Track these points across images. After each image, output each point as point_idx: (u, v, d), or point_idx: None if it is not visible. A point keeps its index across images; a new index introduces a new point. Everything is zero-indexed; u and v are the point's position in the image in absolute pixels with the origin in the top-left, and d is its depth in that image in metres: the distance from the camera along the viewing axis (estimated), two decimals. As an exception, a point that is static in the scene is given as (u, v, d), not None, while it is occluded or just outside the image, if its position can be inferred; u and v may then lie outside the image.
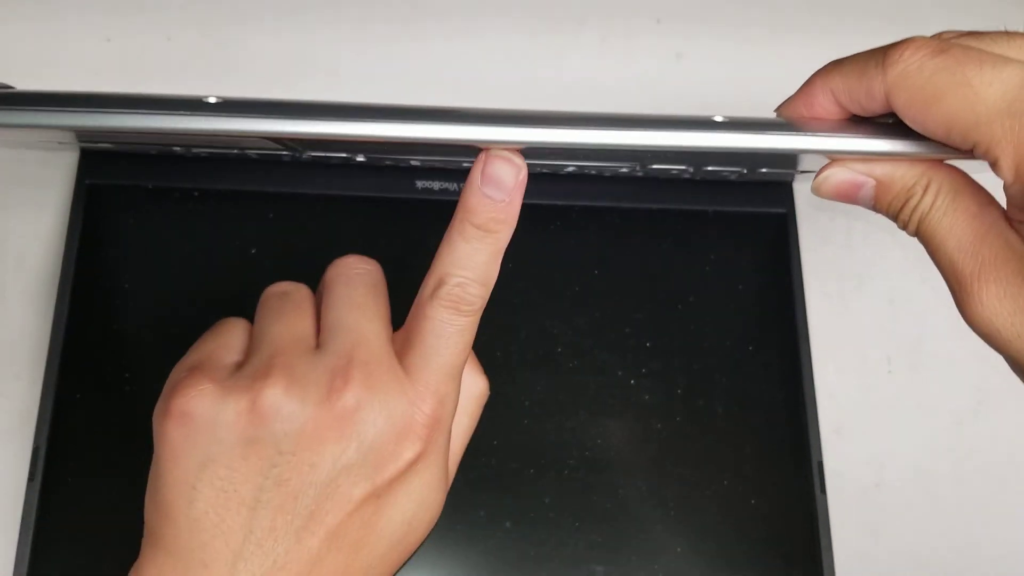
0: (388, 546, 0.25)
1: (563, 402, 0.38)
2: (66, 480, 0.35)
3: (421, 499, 0.25)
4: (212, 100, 0.22)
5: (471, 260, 0.25)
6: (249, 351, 0.26)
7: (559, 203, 0.41)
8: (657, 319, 0.39)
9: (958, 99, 0.21)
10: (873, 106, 0.23)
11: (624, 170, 0.34)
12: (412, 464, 0.25)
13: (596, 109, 0.47)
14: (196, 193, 0.40)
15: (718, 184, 0.40)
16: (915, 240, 0.48)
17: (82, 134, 0.29)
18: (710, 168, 0.32)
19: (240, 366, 0.25)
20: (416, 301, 0.26)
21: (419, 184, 0.41)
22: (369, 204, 0.40)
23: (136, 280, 0.39)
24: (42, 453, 0.35)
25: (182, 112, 0.22)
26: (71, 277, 0.38)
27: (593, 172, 0.39)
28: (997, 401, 0.42)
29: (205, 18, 0.44)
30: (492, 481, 0.36)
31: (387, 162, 0.36)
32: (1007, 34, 0.23)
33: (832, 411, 0.40)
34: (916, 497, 0.41)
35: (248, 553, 0.23)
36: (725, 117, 0.23)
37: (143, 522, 0.25)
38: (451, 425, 0.26)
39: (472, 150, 0.24)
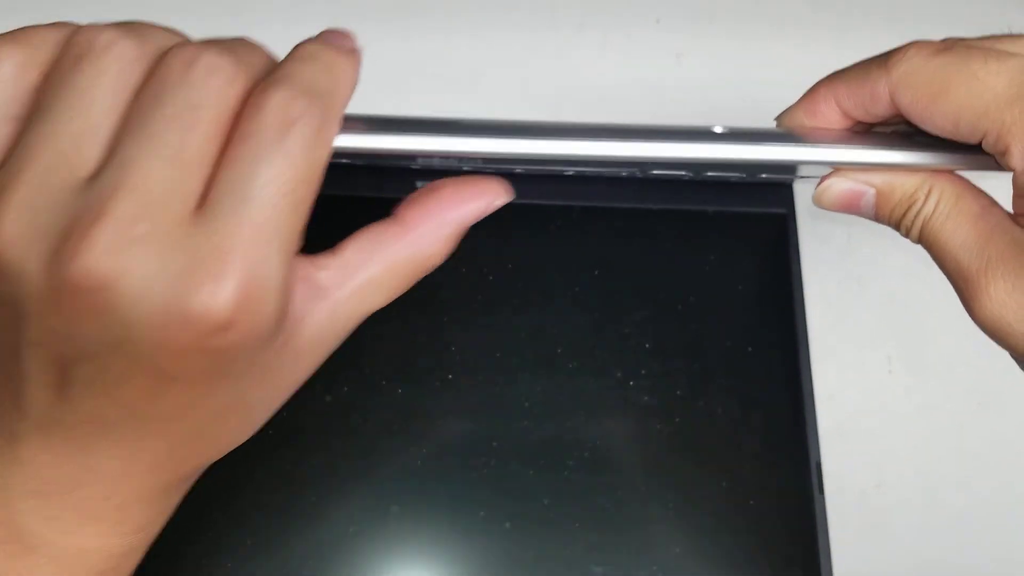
0: (173, 447, 0.21)
1: (562, 403, 0.38)
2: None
3: (224, 403, 0.20)
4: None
5: (302, 71, 0.19)
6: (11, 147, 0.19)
7: (559, 203, 0.41)
8: (657, 320, 0.39)
9: (965, 90, 0.21)
10: (878, 109, 0.23)
11: (623, 174, 0.34)
12: (205, 356, 0.18)
13: (596, 109, 0.48)
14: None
15: (718, 185, 0.40)
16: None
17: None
18: (710, 174, 0.33)
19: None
20: None
21: (419, 184, 0.41)
22: (370, 204, 0.40)
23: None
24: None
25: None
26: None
27: (592, 173, 0.39)
28: (997, 401, 0.42)
29: (205, 18, 0.44)
30: (491, 482, 0.36)
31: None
32: (1010, 36, 0.23)
33: (832, 411, 0.40)
34: (916, 498, 0.41)
35: (9, 406, 0.20)
36: (725, 128, 0.23)
37: None
38: (277, 312, 0.19)
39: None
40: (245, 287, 0.18)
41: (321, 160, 0.19)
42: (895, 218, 0.24)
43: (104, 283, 0.17)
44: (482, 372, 0.37)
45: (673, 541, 0.36)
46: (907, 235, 0.25)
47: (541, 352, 0.39)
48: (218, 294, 0.17)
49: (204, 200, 0.18)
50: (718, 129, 0.23)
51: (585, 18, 0.45)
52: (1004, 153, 0.21)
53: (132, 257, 0.17)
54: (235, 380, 0.20)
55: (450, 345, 0.38)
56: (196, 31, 0.46)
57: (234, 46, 0.20)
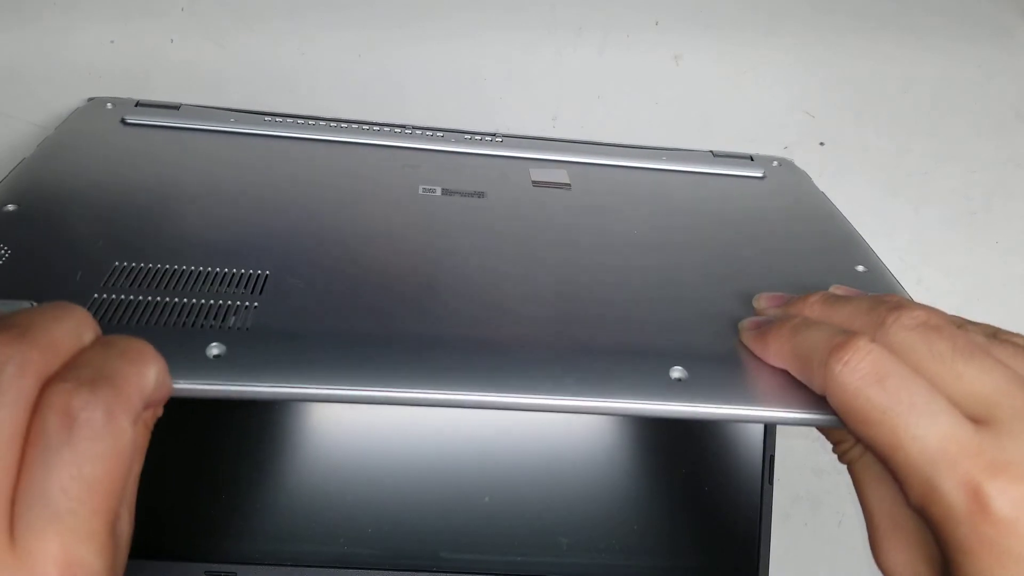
0: None
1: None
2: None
3: None
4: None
5: (91, 358, 0.19)
6: None
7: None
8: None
9: (883, 435, 0.22)
10: (814, 389, 0.24)
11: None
12: None
13: (595, 110, 0.47)
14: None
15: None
16: (911, 243, 0.48)
17: None
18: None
19: None
20: None
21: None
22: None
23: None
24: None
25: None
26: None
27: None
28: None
29: (208, 20, 0.44)
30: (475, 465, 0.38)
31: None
32: (955, 346, 0.23)
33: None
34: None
35: None
36: (683, 371, 0.24)
37: None
38: None
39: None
40: None
41: (120, 443, 0.18)
42: (831, 441, 0.28)
43: None
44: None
45: (631, 519, 0.39)
46: (839, 459, 0.27)
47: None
48: None
49: (12, 514, 0.17)
50: (675, 373, 0.24)
51: (585, 19, 0.45)
52: (903, 492, 0.23)
53: None
54: None
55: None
56: (198, 34, 0.46)
57: (30, 329, 0.19)
